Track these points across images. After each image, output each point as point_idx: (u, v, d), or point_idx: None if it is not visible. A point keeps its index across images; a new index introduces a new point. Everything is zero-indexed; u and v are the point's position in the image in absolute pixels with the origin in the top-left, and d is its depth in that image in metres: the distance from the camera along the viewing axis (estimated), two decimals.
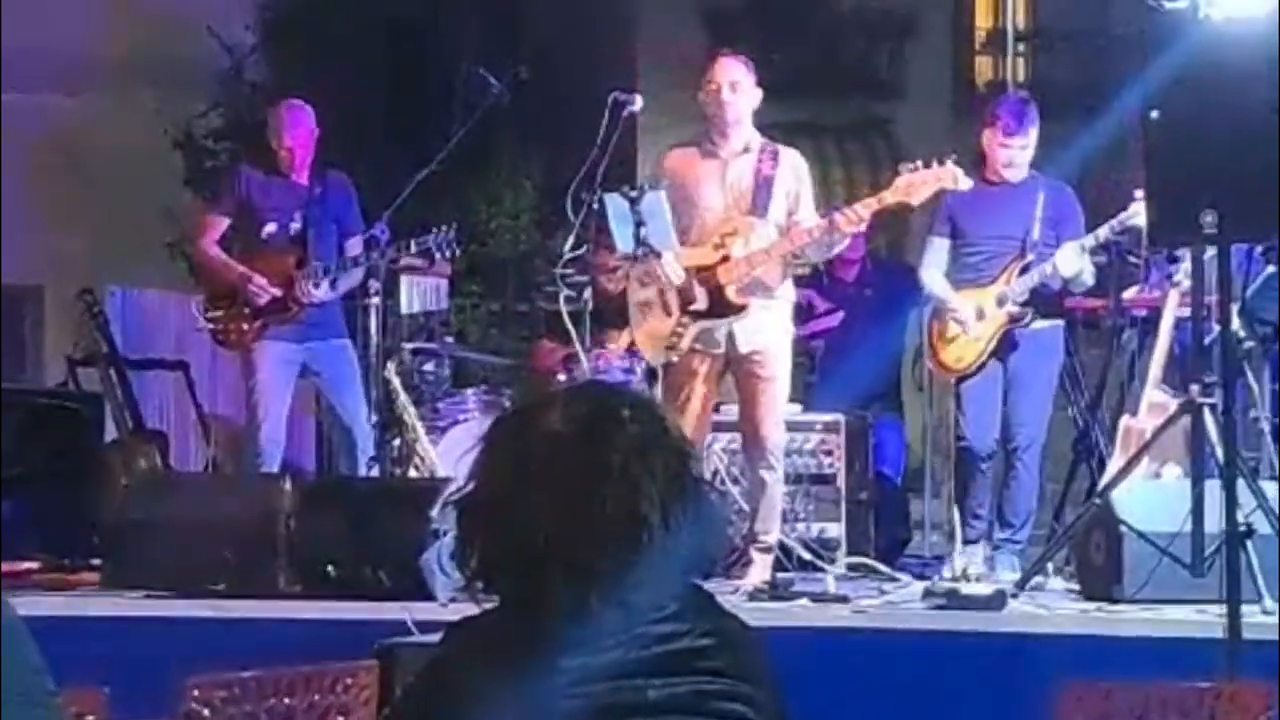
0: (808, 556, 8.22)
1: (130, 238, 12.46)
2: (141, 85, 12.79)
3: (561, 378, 8.76)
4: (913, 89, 14.16)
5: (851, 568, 8.36)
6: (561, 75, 11.83)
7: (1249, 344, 8.04)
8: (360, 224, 8.66)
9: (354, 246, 8.60)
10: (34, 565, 8.24)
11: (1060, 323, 8.37)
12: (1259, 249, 7.77)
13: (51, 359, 12.17)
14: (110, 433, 9.77)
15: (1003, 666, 6.19)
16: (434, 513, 6.93)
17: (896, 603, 7.40)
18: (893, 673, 6.30)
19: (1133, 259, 8.74)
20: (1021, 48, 13.60)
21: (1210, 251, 6.22)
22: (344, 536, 7.23)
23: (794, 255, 7.82)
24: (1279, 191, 5.79)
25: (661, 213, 7.70)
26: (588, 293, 8.42)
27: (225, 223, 8.66)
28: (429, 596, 6.74)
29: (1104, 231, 8.00)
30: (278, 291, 8.44)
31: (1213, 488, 6.13)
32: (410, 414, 8.59)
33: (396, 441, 8.67)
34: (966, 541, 8.17)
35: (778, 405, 7.79)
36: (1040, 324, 8.18)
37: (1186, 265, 7.27)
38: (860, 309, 9.84)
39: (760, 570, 7.65)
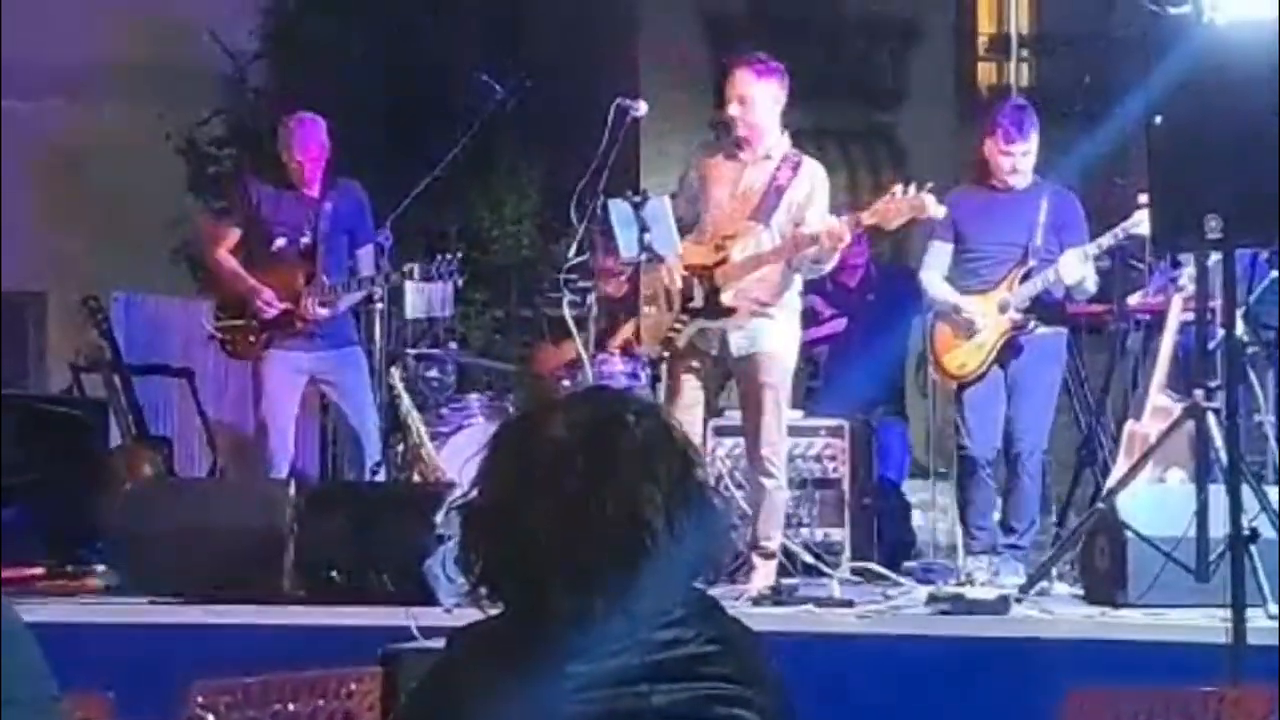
0: (812, 561, 8.22)
1: (133, 243, 12.46)
2: (145, 91, 12.77)
3: (565, 383, 8.77)
4: (915, 93, 14.13)
5: (855, 573, 8.35)
6: (564, 80, 11.81)
7: (1253, 348, 8.04)
8: (373, 233, 8.68)
9: (365, 256, 8.61)
10: (40, 571, 8.25)
11: (1063, 330, 8.37)
12: (1263, 253, 7.77)
13: (55, 365, 12.16)
14: (114, 438, 9.77)
15: (1007, 671, 6.18)
16: (438, 518, 6.93)
17: (901, 608, 7.39)
18: (897, 678, 6.29)
19: (1136, 264, 8.75)
20: (1024, 52, 13.60)
21: (1214, 256, 6.21)
22: (348, 541, 7.24)
23: (790, 266, 7.79)
24: None
25: (665, 218, 7.73)
26: (591, 298, 8.43)
27: (238, 233, 8.69)
28: (433, 602, 6.73)
29: (1107, 239, 8.01)
30: (286, 306, 8.46)
31: (1217, 492, 6.13)
32: (414, 419, 8.59)
33: (400, 447, 8.68)
34: (970, 551, 8.18)
35: (777, 412, 7.77)
36: (1043, 330, 8.18)
37: (1190, 270, 7.26)
38: (864, 315, 9.84)
39: (764, 576, 7.64)
